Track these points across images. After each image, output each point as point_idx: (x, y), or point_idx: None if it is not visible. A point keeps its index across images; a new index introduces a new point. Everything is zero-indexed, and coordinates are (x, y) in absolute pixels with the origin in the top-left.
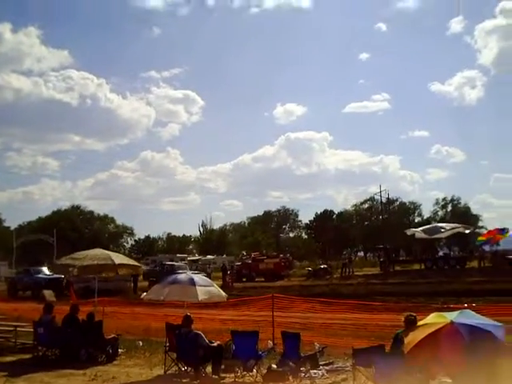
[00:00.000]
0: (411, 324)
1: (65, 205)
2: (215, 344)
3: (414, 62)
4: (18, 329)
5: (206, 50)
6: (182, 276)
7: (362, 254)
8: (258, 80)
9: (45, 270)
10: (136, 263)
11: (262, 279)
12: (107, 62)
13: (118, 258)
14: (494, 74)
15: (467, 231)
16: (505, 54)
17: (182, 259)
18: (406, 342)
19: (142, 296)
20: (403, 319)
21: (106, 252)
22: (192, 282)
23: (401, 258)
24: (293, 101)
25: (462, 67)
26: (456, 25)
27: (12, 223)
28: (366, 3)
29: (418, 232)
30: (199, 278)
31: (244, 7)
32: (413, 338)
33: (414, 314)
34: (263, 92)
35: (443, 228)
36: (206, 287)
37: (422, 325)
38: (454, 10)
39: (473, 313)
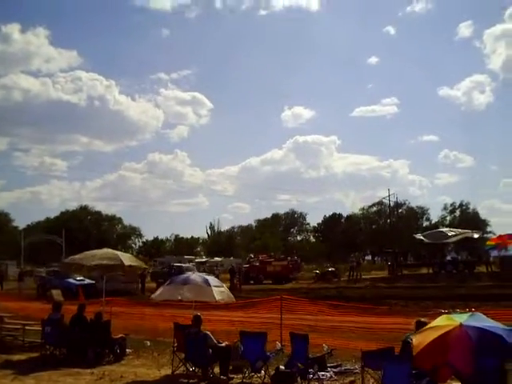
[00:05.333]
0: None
1: (73, 205)
2: (223, 344)
3: (422, 66)
4: (26, 327)
5: (215, 52)
6: (195, 276)
7: (369, 257)
8: (266, 83)
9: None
10: (143, 264)
11: (270, 282)
12: (116, 63)
13: (127, 259)
14: (503, 78)
15: (476, 236)
16: None
17: (190, 261)
18: (413, 344)
19: (151, 296)
20: (414, 323)
21: (115, 252)
22: (207, 283)
23: (409, 262)
24: (301, 104)
25: (470, 72)
26: (465, 29)
27: (20, 223)
28: (375, 7)
29: (423, 238)
30: (212, 278)
31: (253, 9)
32: (421, 341)
33: (427, 321)
34: (271, 95)
35: (447, 233)
36: (219, 288)
37: (431, 327)
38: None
39: (483, 316)
